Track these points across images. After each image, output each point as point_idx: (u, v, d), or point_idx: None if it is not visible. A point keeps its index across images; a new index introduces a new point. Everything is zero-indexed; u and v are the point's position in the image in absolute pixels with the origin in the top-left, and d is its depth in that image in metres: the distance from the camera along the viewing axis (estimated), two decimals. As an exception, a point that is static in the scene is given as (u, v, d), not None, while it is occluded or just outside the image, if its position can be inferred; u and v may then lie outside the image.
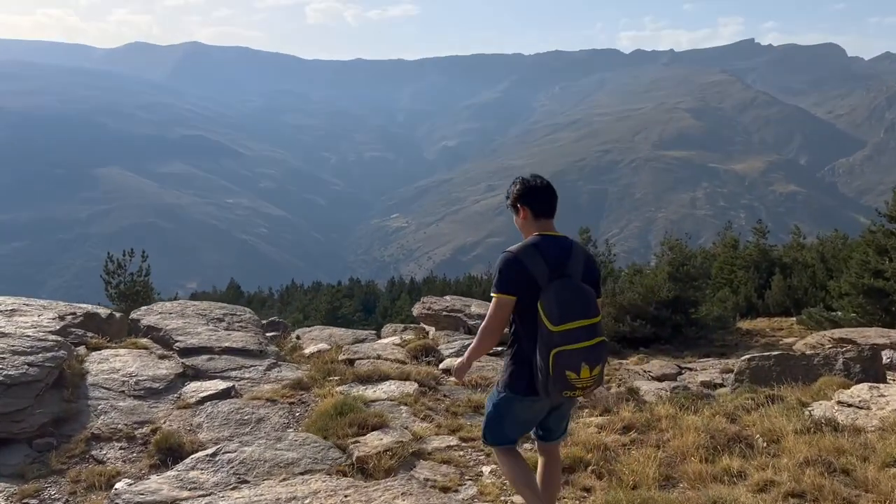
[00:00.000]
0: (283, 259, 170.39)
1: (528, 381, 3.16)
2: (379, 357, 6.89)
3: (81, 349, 6.23)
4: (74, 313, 6.82)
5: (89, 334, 6.60)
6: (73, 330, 6.50)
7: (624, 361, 9.65)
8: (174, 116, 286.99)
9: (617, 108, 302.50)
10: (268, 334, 8.99)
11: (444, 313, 8.50)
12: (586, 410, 5.77)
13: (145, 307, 7.91)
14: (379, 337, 9.09)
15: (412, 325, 8.96)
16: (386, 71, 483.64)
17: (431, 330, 8.52)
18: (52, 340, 5.80)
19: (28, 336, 5.75)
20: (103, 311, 7.31)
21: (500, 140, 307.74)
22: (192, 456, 4.37)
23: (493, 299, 3.17)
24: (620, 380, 8.01)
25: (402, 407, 5.47)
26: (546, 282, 3.10)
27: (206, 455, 4.32)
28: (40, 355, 5.50)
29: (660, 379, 7.94)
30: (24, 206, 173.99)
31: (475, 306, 8.65)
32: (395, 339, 8.01)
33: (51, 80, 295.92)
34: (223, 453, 4.33)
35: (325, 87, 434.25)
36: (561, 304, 3.03)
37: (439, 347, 7.45)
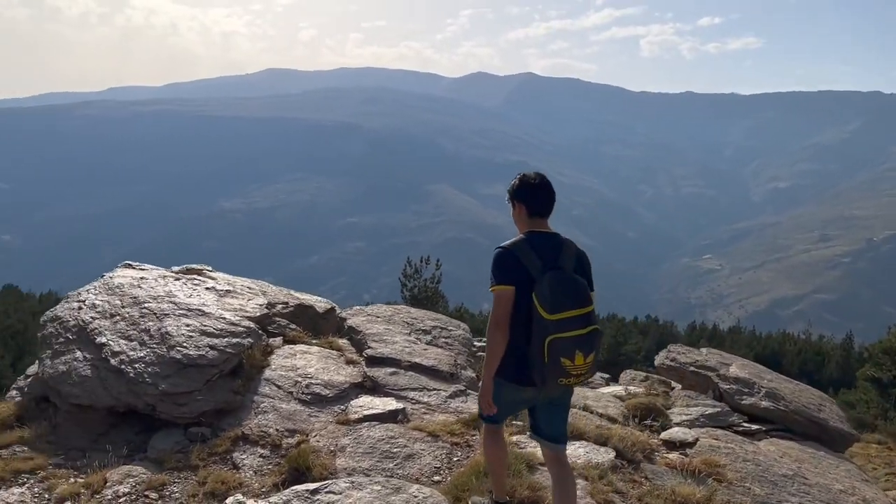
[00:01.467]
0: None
1: (515, 368, 3.28)
2: (585, 408, 5.65)
3: (277, 340, 6.07)
4: (286, 303, 6.77)
5: (292, 326, 6.44)
6: (278, 320, 6.39)
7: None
8: (502, 142, 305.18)
9: None
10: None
11: (692, 369, 6.87)
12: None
13: (358, 307, 7.65)
14: (616, 381, 7.80)
15: (656, 377, 7.47)
16: (716, 105, 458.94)
17: (678, 388, 7.00)
18: (244, 327, 5.67)
19: (224, 318, 5.70)
20: (321, 305, 7.18)
21: (843, 185, 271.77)
22: (293, 488, 3.73)
23: (494, 294, 3.27)
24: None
25: (578, 481, 4.11)
26: (539, 274, 3.23)
27: (307, 491, 3.65)
28: (226, 339, 5.38)
29: None
30: (369, 212, 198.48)
31: (737, 367, 6.88)
32: (620, 389, 6.65)
33: (403, 104, 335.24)
34: (325, 492, 3.62)
35: (650, 120, 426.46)
36: (555, 294, 3.14)
37: (671, 411, 5.96)
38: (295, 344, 6.12)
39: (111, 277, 6.36)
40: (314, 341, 6.34)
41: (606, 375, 7.72)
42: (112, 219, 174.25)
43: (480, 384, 3.44)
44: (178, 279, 6.51)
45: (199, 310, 5.76)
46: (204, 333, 5.37)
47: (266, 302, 6.55)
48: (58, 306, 5.94)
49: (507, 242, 3.38)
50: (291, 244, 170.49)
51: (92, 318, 5.54)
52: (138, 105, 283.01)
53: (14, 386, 5.66)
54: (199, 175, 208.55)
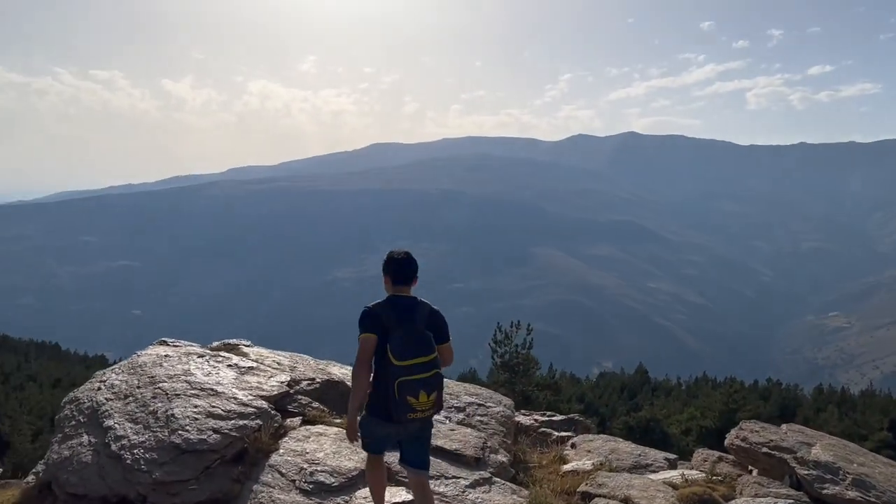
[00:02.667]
0: (700, 348, 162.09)
1: (380, 407, 3.98)
2: (626, 500, 4.95)
3: (295, 420, 5.75)
4: (313, 379, 6.47)
5: (315, 404, 6.09)
6: (300, 398, 6.08)
7: None
8: (605, 202, 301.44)
9: None
10: (560, 433, 7.55)
11: (765, 450, 5.95)
12: None
13: None
14: (687, 461, 6.95)
15: (730, 458, 6.56)
16: (833, 155, 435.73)
17: (755, 472, 6.12)
18: (255, 408, 5.41)
19: (236, 399, 5.47)
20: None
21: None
22: None
23: (360, 340, 4.02)
24: None
25: None
26: (394, 328, 3.93)
27: None
28: (232, 422, 5.13)
29: None
30: (474, 277, 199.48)
31: (821, 447, 5.92)
32: (676, 474, 5.81)
33: (505, 170, 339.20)
34: None
35: (762, 173, 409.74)
36: (403, 345, 3.86)
37: (733, 502, 5.14)
38: (314, 424, 5.76)
39: (138, 356, 6.35)
40: (337, 421, 5.93)
41: (672, 456, 6.83)
42: (232, 291, 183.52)
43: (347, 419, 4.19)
44: (201, 356, 6.38)
45: (213, 389, 5.58)
46: (211, 415, 5.17)
47: (289, 379, 6.29)
48: (81, 387, 5.90)
49: (373, 303, 4.12)
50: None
51: (106, 399, 5.52)
52: (255, 184, 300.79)
53: (33, 469, 5.63)
54: (312, 247, 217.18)
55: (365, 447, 4.27)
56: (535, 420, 7.90)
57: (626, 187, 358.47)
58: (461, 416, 6.34)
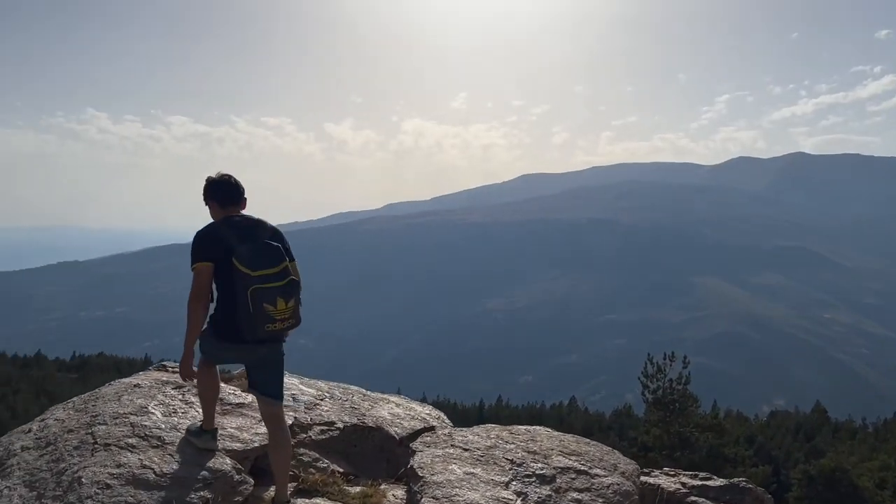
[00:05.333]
0: (885, 385, 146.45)
1: (227, 329, 3.81)
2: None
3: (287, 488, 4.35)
4: (332, 423, 5.08)
5: (322, 462, 4.79)
6: (304, 452, 4.92)
7: None
8: (770, 226, 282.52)
9: None
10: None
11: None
12: None
13: (447, 432, 5.22)
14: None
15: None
16: None
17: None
18: (210, 469, 4.03)
19: (184, 454, 4.10)
20: (407, 425, 5.35)
21: None
22: None
23: (194, 271, 3.79)
24: None
25: None
26: (239, 244, 3.72)
27: None
28: (161, 494, 3.77)
29: None
30: (629, 308, 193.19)
31: None
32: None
33: (659, 196, 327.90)
34: None
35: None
36: (254, 255, 3.66)
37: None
38: (310, 496, 4.21)
39: (110, 384, 5.08)
40: (353, 491, 4.37)
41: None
42: (389, 321, 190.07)
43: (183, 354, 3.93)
44: (179, 387, 4.93)
45: (160, 439, 4.14)
46: (133, 481, 3.77)
47: (291, 422, 4.69)
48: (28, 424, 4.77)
49: (203, 227, 3.91)
50: (550, 342, 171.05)
51: (24, 446, 4.23)
52: (410, 218, 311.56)
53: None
54: (464, 278, 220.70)
55: (203, 351, 4.04)
56: (682, 485, 5.34)
57: (794, 210, 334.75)
58: (545, 490, 4.32)
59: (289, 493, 4.12)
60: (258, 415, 4.48)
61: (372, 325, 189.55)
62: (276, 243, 3.82)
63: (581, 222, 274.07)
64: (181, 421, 4.42)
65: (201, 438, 4.20)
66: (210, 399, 4.21)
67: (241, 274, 3.63)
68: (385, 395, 5.98)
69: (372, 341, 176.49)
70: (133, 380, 5.11)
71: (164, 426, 4.32)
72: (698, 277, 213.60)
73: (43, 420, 4.55)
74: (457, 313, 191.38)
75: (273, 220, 4.07)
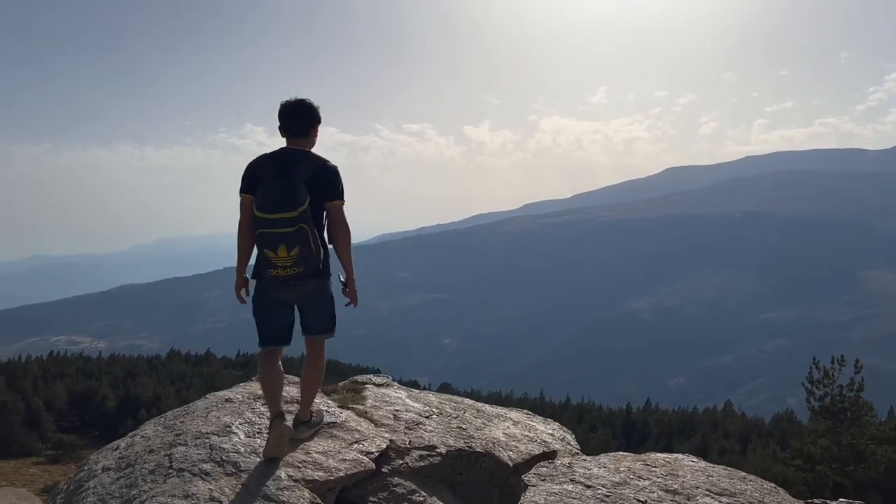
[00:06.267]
0: None
1: (256, 266, 3.77)
2: None
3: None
4: (433, 447, 4.43)
5: (419, 495, 4.15)
6: (397, 483, 4.24)
7: None
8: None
9: None
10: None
11: None
12: None
13: (579, 461, 4.65)
14: None
15: None
16: None
17: None
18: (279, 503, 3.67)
19: (256, 486, 3.63)
20: (522, 449, 4.73)
21: None
22: None
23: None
24: None
25: None
26: (271, 179, 3.60)
27: None
28: None
29: None
30: (787, 306, 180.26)
31: None
32: None
33: (821, 185, 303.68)
34: None
35: None
36: (266, 195, 3.54)
37: None
38: None
39: (206, 397, 4.81)
40: None
41: None
42: (529, 321, 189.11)
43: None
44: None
45: (235, 465, 3.72)
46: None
47: (385, 446, 4.17)
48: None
49: (257, 157, 3.78)
50: (701, 342, 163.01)
51: (105, 467, 3.97)
52: (549, 217, 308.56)
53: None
54: (607, 277, 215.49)
55: (261, 341, 3.93)
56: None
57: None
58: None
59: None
60: (350, 436, 4.21)
61: (514, 324, 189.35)
62: (307, 188, 3.62)
63: (734, 216, 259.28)
64: (264, 444, 3.93)
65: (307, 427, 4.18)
66: (273, 394, 3.87)
67: (253, 214, 3.59)
68: (504, 411, 5.33)
69: (514, 341, 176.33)
70: (227, 393, 4.79)
71: (243, 450, 3.89)
72: (867, 272, 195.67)
73: (133, 436, 4.29)
74: (601, 312, 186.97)
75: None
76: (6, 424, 20.19)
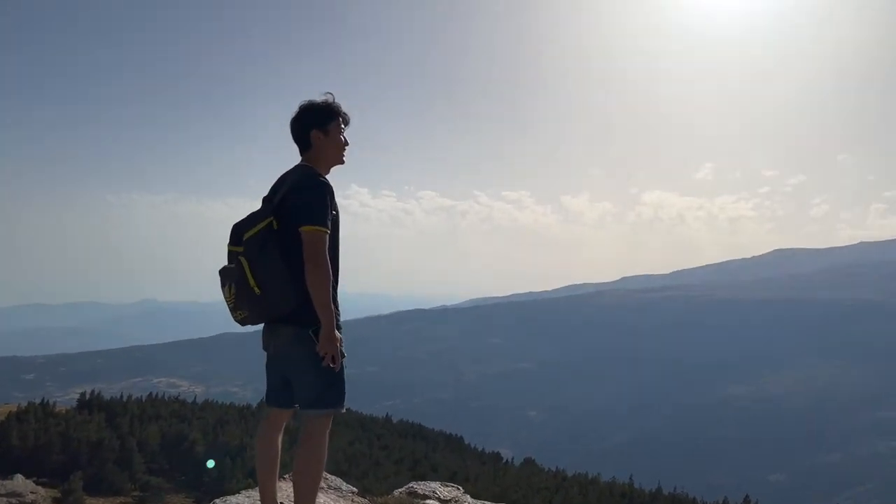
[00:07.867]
0: None
1: None
2: None
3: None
4: None
5: None
6: None
7: None
8: None
9: None
10: None
11: None
12: None
13: None
14: None
15: None
16: None
17: None
18: None
19: None
20: None
21: None
22: None
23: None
24: None
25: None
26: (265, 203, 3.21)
27: None
28: None
29: None
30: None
31: None
32: None
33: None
34: None
35: None
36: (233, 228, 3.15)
37: None
38: None
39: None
40: None
41: None
42: (619, 400, 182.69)
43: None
44: None
45: None
46: None
47: None
48: None
49: None
50: (807, 437, 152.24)
51: None
52: (647, 292, 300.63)
53: None
54: (705, 360, 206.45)
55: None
56: None
57: None
58: None
59: None
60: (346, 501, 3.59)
61: (604, 402, 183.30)
62: (272, 212, 3.07)
63: (845, 303, 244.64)
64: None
65: None
66: (259, 476, 3.34)
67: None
68: None
69: (602, 420, 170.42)
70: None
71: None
72: None
73: None
74: (696, 398, 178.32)
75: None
76: (100, 461, 20.94)
